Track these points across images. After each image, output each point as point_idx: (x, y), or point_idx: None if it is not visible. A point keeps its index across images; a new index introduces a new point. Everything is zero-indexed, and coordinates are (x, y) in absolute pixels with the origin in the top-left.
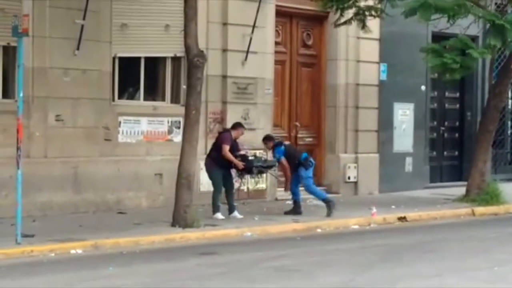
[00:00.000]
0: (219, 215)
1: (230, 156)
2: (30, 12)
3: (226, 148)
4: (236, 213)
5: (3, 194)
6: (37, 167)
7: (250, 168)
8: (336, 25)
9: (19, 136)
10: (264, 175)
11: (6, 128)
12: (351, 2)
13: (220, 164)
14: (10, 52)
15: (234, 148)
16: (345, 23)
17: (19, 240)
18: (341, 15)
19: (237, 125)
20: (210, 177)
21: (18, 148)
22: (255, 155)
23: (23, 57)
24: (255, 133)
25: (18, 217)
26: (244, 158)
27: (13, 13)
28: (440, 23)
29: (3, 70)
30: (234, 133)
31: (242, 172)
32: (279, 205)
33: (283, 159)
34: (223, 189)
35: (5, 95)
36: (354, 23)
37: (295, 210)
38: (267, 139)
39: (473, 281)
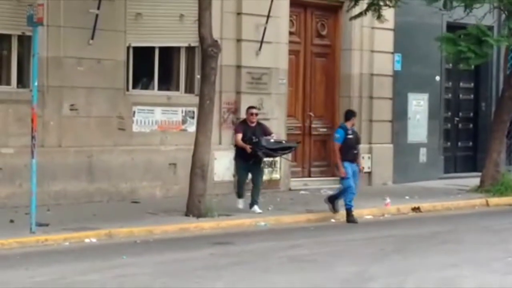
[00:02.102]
0: (238, 202)
1: (240, 142)
2: (45, 1)
3: (237, 136)
4: (255, 208)
5: (18, 183)
6: (52, 156)
7: (256, 151)
8: (351, 18)
9: (33, 125)
10: (278, 164)
11: (21, 117)
12: None
13: (240, 155)
14: (25, 42)
15: (258, 134)
16: (360, 15)
17: (33, 229)
18: (356, 4)
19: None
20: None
21: (32, 137)
22: (268, 140)
23: (38, 47)
24: (269, 123)
25: (33, 206)
26: (255, 142)
27: (28, 3)
28: (455, 13)
29: (18, 59)
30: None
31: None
32: (293, 195)
33: (336, 144)
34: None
35: (20, 84)
36: (369, 13)
37: (349, 218)
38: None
39: (488, 272)
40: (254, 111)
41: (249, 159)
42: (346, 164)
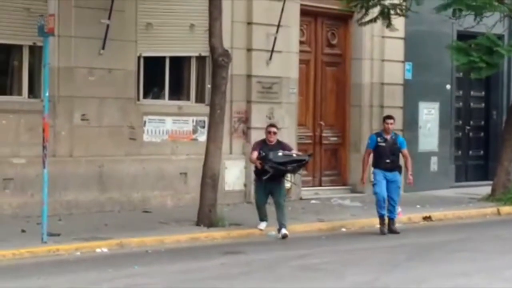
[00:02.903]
0: (260, 224)
1: (252, 159)
2: (56, 11)
3: (252, 155)
4: (283, 231)
5: (29, 193)
6: (63, 166)
7: (266, 168)
8: (361, 23)
9: (45, 135)
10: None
11: (33, 127)
12: (376, 0)
13: (256, 175)
14: (36, 52)
15: (274, 150)
16: (370, 21)
17: (45, 239)
18: (366, 13)
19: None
20: None
21: (44, 147)
22: (276, 153)
23: (49, 57)
24: (280, 133)
25: (44, 216)
26: (262, 157)
27: (39, 13)
28: (466, 22)
29: (29, 69)
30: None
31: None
32: (304, 204)
33: (366, 150)
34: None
35: (32, 94)
36: (379, 22)
37: (390, 228)
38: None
39: (500, 280)
40: (272, 129)
41: (266, 177)
42: (377, 171)
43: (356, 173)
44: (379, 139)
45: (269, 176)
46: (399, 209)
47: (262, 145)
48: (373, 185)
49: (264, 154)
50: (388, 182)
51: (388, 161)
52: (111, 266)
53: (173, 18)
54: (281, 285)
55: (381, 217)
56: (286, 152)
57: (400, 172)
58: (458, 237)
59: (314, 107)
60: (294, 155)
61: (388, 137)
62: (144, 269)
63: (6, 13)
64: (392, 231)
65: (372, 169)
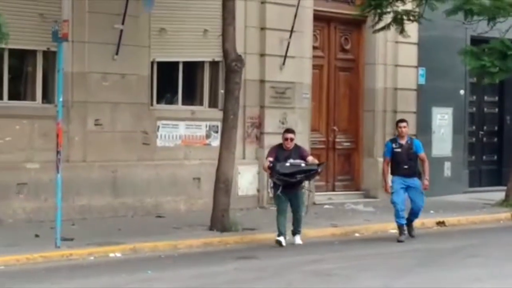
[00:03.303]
0: (279, 239)
1: (264, 166)
2: (70, 17)
3: (264, 162)
4: (296, 238)
5: (43, 197)
6: (77, 171)
7: (274, 180)
8: (374, 31)
9: (58, 140)
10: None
11: (46, 133)
12: (389, 7)
13: (276, 183)
14: (50, 57)
15: (292, 158)
16: (383, 28)
17: (58, 244)
18: (380, 19)
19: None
20: None
21: (57, 152)
22: (283, 165)
23: (63, 62)
24: None
25: (58, 220)
26: (270, 168)
27: (53, 19)
28: (479, 27)
29: (43, 75)
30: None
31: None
32: (317, 209)
33: (383, 158)
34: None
35: (45, 99)
36: (392, 28)
37: (410, 232)
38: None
39: None
40: (289, 136)
41: (284, 186)
42: (395, 178)
43: (369, 178)
44: (394, 146)
45: (280, 188)
46: None
47: (278, 150)
48: (391, 193)
49: (272, 164)
50: (409, 188)
51: (405, 167)
52: (124, 271)
53: (187, 23)
54: None
55: (400, 226)
56: (296, 162)
57: (420, 177)
58: (471, 243)
59: (327, 112)
60: (303, 164)
61: (404, 142)
62: (158, 274)
63: (21, 19)
64: (410, 233)
65: (391, 176)
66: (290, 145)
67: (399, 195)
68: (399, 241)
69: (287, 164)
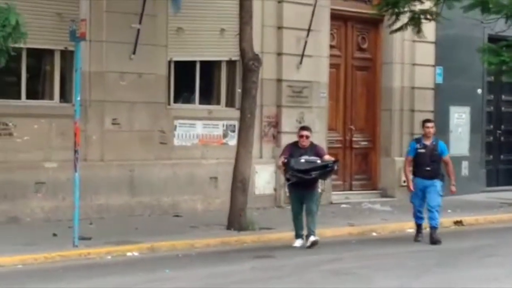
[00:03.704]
0: (295, 241)
1: (278, 164)
2: (87, 16)
3: (278, 160)
4: (311, 238)
5: (61, 196)
6: (94, 170)
7: (287, 177)
8: (391, 31)
9: (76, 139)
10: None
11: (64, 132)
12: (406, 7)
13: (292, 182)
14: (67, 57)
15: (305, 154)
16: (400, 29)
17: (76, 243)
18: (397, 19)
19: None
20: None
21: (75, 152)
22: (298, 160)
23: (81, 61)
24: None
25: (76, 219)
26: (286, 164)
27: (71, 18)
28: (497, 26)
29: (61, 74)
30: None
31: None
32: (334, 208)
33: (406, 157)
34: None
35: (63, 99)
36: (410, 27)
37: (433, 237)
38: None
39: None
40: (304, 133)
41: (298, 184)
42: (416, 179)
43: (386, 177)
44: (418, 146)
45: (291, 182)
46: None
47: (293, 148)
48: (411, 193)
49: (286, 160)
50: (427, 188)
51: (427, 168)
52: (142, 270)
53: (204, 22)
54: None
55: (418, 226)
56: (311, 158)
57: (442, 179)
58: (489, 242)
59: (345, 111)
60: (319, 161)
61: (428, 143)
62: (175, 273)
63: (38, 18)
64: (433, 240)
65: (412, 177)
66: (306, 143)
67: (417, 198)
68: (416, 240)
69: (302, 160)
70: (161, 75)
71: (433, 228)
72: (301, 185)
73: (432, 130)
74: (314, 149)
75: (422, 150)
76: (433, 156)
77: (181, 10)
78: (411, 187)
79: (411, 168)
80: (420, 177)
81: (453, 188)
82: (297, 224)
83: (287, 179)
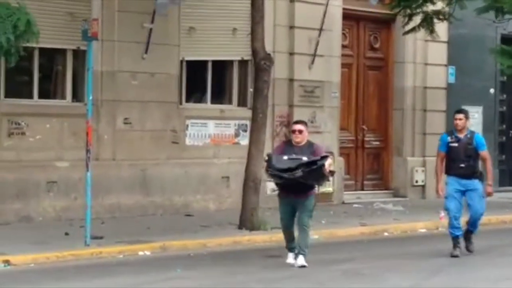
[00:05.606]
0: (288, 256)
1: (263, 166)
2: (99, 16)
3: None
4: (299, 259)
5: (73, 196)
6: (106, 169)
7: (269, 174)
8: (404, 33)
9: (88, 139)
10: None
11: (76, 131)
12: (418, 9)
13: (281, 188)
14: (79, 56)
15: (298, 154)
16: (413, 30)
17: (88, 242)
18: (410, 19)
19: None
20: None
21: (87, 151)
22: (280, 158)
23: (93, 61)
24: (322, 137)
25: (87, 219)
26: (266, 161)
27: (83, 17)
28: (510, 25)
29: (73, 73)
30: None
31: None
32: (346, 208)
33: (437, 153)
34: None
35: (75, 98)
36: (423, 29)
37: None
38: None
39: None
40: (297, 127)
41: (288, 190)
42: (450, 179)
43: (399, 177)
44: (450, 139)
45: (278, 186)
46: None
47: (285, 147)
48: (445, 198)
49: (267, 157)
50: (467, 192)
51: (462, 165)
52: (154, 269)
53: (216, 22)
54: None
55: (455, 238)
56: (298, 156)
57: (481, 179)
58: (502, 242)
59: (356, 111)
60: (305, 158)
61: (462, 135)
62: (187, 272)
63: (50, 18)
64: (468, 248)
65: (445, 176)
66: (300, 139)
67: (453, 201)
68: (453, 256)
69: (285, 157)
70: (173, 75)
71: (470, 232)
72: (291, 191)
73: (460, 123)
74: (311, 149)
75: (455, 144)
76: (468, 150)
77: (190, 9)
78: (439, 191)
79: (443, 167)
80: (454, 176)
81: (490, 189)
82: (286, 235)
83: (276, 184)
